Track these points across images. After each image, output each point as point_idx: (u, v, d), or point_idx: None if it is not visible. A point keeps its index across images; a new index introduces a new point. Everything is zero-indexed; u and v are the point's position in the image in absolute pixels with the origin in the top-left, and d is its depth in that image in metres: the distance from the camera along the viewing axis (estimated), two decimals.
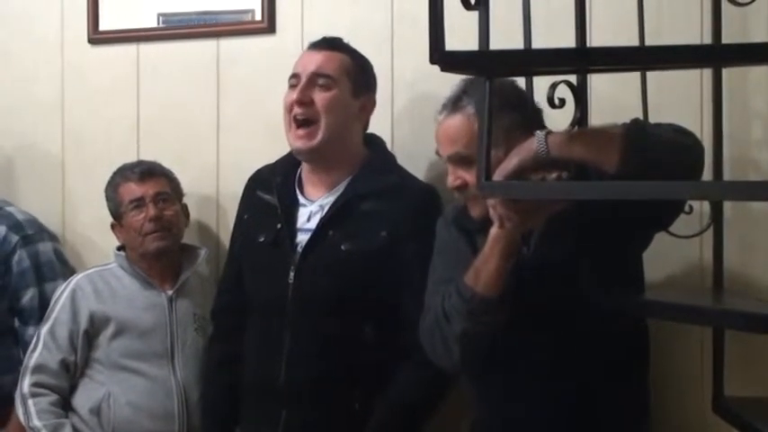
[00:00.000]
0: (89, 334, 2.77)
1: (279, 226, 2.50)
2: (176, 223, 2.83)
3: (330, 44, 2.53)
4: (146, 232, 2.78)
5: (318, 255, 2.45)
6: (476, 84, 2.11)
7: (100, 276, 2.85)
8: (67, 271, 2.98)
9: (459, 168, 2.15)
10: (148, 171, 2.84)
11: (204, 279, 2.92)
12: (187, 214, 2.91)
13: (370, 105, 2.57)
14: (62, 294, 2.82)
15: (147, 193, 2.80)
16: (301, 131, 2.47)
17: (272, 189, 2.56)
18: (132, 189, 2.82)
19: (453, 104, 2.19)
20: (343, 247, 2.43)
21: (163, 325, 2.77)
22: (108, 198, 2.87)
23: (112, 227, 2.88)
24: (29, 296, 2.94)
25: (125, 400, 2.71)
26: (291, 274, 2.46)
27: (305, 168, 2.57)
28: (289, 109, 2.49)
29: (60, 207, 3.21)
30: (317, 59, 2.50)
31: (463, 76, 2.15)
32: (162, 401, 2.71)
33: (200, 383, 2.73)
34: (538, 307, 2.09)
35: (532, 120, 2.11)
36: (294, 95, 2.47)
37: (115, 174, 2.87)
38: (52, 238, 3.06)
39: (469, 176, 2.09)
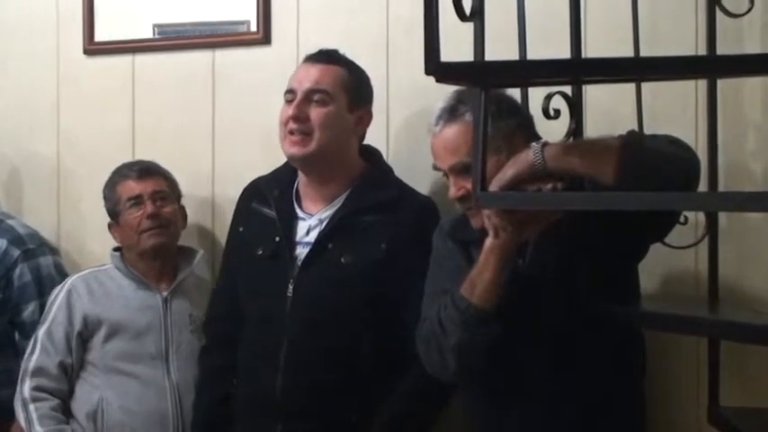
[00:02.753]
0: (83, 336, 2.77)
1: (278, 239, 2.50)
2: (174, 221, 2.83)
3: (326, 57, 2.53)
4: (142, 229, 2.78)
5: (318, 268, 2.45)
6: (471, 92, 2.11)
7: (95, 277, 2.85)
8: (68, 279, 2.96)
9: (460, 178, 2.13)
10: (146, 170, 2.84)
11: (202, 280, 2.91)
12: (184, 216, 2.90)
13: (366, 118, 2.57)
14: (58, 295, 2.82)
15: (145, 191, 2.80)
16: (295, 137, 2.46)
17: (269, 202, 2.55)
18: (131, 187, 2.82)
19: (450, 114, 2.18)
20: (343, 260, 2.43)
21: (157, 326, 2.76)
22: (106, 198, 2.87)
23: (110, 227, 2.88)
24: (30, 310, 2.93)
25: (118, 403, 2.70)
26: (290, 287, 2.45)
27: (302, 181, 2.57)
28: (284, 124, 2.49)
29: (56, 217, 3.20)
30: (312, 74, 2.49)
31: (458, 87, 2.15)
32: (155, 404, 2.70)
33: (194, 388, 2.71)
34: (533, 318, 2.09)
35: (529, 124, 2.12)
36: (290, 111, 2.47)
37: (113, 173, 2.88)
38: (53, 251, 3.06)
39: (470, 184, 2.06)
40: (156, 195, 2.80)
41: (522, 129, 2.11)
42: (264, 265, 2.51)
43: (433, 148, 2.22)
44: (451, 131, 2.16)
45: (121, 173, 2.85)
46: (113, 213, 2.85)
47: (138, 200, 2.80)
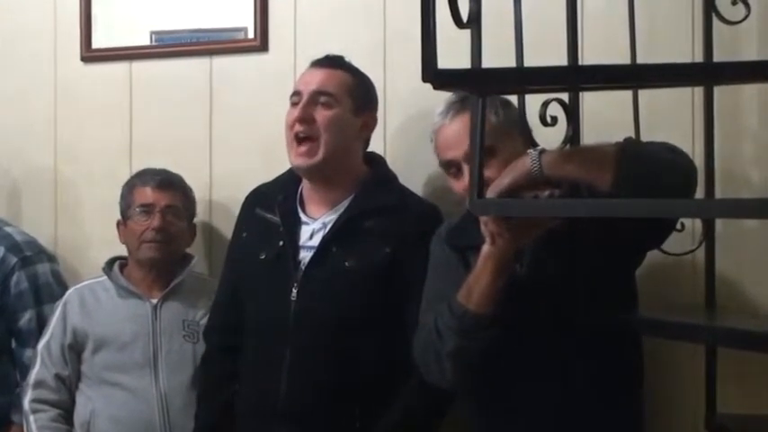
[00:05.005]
0: (74, 348, 2.79)
1: (281, 243, 2.49)
2: (177, 239, 2.83)
3: (332, 62, 2.54)
4: (144, 239, 2.78)
5: (322, 272, 2.45)
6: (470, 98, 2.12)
7: (90, 290, 2.86)
8: (65, 293, 2.96)
9: None
10: (167, 181, 2.84)
11: (201, 282, 2.88)
12: (193, 234, 2.91)
13: (371, 123, 2.57)
14: (57, 309, 2.85)
15: (158, 202, 2.79)
16: (302, 148, 2.46)
17: (272, 207, 2.55)
18: (146, 194, 2.81)
19: (460, 104, 2.19)
20: (346, 264, 2.43)
21: (145, 334, 2.76)
22: (122, 195, 2.87)
23: (118, 224, 2.88)
24: (27, 318, 2.93)
25: (107, 414, 2.71)
26: (294, 291, 2.45)
27: (306, 186, 2.57)
28: (290, 126, 2.49)
29: (53, 224, 3.20)
30: (318, 77, 2.50)
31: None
32: (143, 413, 2.70)
33: (188, 392, 2.71)
34: (531, 324, 2.09)
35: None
36: (296, 113, 2.47)
37: (136, 175, 2.88)
38: (50, 259, 3.05)
39: (489, 171, 1.99)
40: (167, 210, 2.80)
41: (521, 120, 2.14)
42: (268, 269, 2.51)
43: (445, 140, 2.21)
44: (466, 118, 2.13)
45: (143, 177, 2.85)
46: (124, 214, 2.86)
47: (149, 209, 2.79)
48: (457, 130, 2.18)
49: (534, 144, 1.90)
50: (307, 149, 2.46)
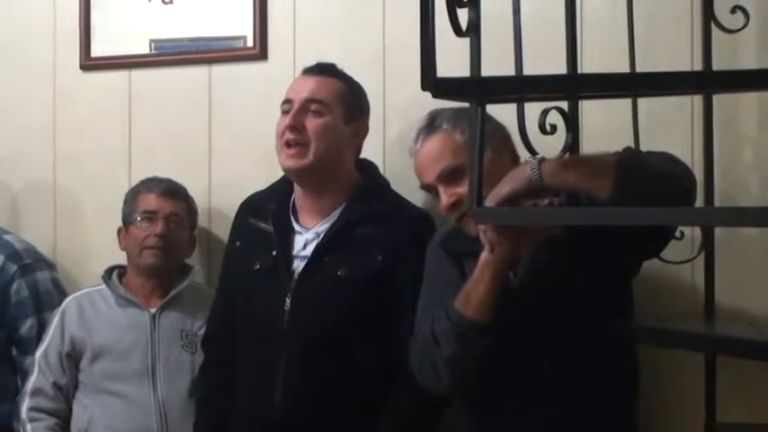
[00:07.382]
0: (72, 357, 2.79)
1: (274, 253, 2.49)
2: (178, 248, 2.84)
3: (323, 70, 2.54)
4: (146, 245, 2.79)
5: (315, 281, 2.45)
6: (444, 109, 2.21)
7: (88, 298, 2.85)
8: (65, 300, 2.96)
9: (450, 185, 2.16)
10: (172, 190, 2.85)
11: (200, 293, 2.88)
12: (193, 245, 2.91)
13: (363, 131, 2.57)
14: (54, 317, 2.84)
15: (162, 210, 2.80)
16: (292, 150, 2.46)
17: (266, 216, 2.55)
18: (150, 200, 2.82)
19: (428, 128, 2.24)
20: (339, 273, 2.43)
21: (143, 343, 2.76)
22: (125, 202, 2.88)
23: (119, 231, 2.89)
24: (27, 326, 2.93)
25: (104, 423, 2.71)
26: (288, 301, 2.44)
27: (298, 194, 2.56)
28: (281, 134, 2.49)
29: (53, 232, 3.20)
30: (309, 85, 2.50)
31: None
32: (141, 422, 2.70)
33: (185, 401, 2.71)
34: (525, 332, 2.09)
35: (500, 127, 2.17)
36: (286, 121, 2.47)
37: (141, 182, 2.89)
38: (50, 266, 3.05)
39: (463, 189, 2.07)
40: (171, 217, 2.81)
41: (501, 129, 2.17)
42: (262, 279, 2.51)
43: (418, 166, 2.26)
44: (432, 142, 2.22)
45: (148, 185, 2.87)
46: (126, 220, 2.86)
47: (152, 215, 2.80)
48: (427, 154, 2.23)
49: (524, 154, 1.91)
50: (297, 151, 2.46)
